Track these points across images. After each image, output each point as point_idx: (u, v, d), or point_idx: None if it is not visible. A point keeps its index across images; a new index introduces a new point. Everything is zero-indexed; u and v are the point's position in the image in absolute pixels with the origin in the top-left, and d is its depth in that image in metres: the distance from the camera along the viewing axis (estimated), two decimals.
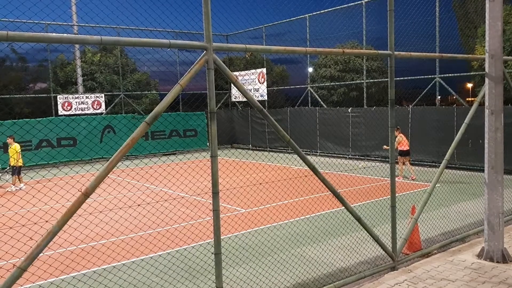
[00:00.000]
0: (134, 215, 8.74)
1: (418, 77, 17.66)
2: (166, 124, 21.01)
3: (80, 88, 21.40)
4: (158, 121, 18.49)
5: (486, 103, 6.63)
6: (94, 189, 3.91)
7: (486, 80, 6.64)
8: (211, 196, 4.56)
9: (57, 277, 6.23)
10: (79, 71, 21.43)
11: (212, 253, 4.65)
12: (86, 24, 21.84)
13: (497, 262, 6.40)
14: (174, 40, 4.24)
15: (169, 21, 5.53)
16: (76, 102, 20.01)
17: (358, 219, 6.04)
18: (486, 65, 6.59)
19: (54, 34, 3.65)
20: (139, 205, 10.25)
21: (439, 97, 17.55)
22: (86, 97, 20.35)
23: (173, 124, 21.20)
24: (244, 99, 21.57)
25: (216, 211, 4.51)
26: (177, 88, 4.26)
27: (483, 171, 6.79)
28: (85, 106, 20.20)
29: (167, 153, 21.38)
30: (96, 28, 21.99)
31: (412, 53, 6.59)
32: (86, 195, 3.86)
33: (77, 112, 19.97)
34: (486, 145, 6.67)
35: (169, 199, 10.60)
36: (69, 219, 3.71)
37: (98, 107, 20.58)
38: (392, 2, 6.02)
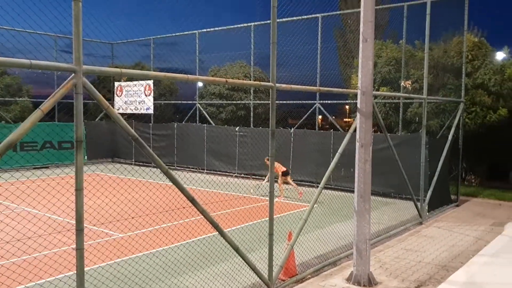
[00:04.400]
0: None
1: (300, 101, 18.67)
2: (39, 135, 19.10)
3: None
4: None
5: (357, 136, 7.11)
6: None
7: (358, 114, 7.12)
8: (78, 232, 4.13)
9: None
10: None
11: None
12: None
13: (364, 285, 6.83)
14: (36, 60, 3.78)
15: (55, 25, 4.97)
16: None
17: (236, 249, 6.01)
18: (358, 101, 7.08)
19: None
20: None
21: (320, 116, 18.73)
22: None
23: (48, 135, 19.36)
24: (128, 111, 20.60)
25: (80, 250, 4.09)
26: (38, 113, 3.81)
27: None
28: None
29: (40, 166, 19.45)
30: None
31: (293, 86, 6.82)
32: None
33: None
34: (356, 175, 7.12)
35: (33, 220, 9.54)
36: None
37: None
38: (275, 35, 6.16)
